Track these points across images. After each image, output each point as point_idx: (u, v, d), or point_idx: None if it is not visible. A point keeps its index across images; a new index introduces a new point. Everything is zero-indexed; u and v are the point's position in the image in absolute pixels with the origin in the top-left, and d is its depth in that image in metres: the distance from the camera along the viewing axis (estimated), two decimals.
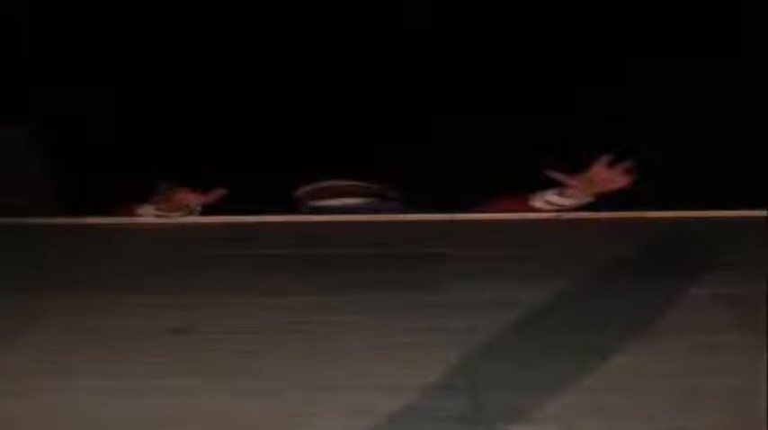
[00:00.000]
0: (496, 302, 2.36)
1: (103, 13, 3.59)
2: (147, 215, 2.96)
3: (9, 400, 1.97)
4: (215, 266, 2.58)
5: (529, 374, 2.05)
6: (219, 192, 2.97)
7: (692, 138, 3.56)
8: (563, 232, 2.84)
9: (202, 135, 3.61)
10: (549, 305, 2.36)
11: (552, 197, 3.06)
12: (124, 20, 3.61)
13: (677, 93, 3.62)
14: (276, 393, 1.99)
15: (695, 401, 1.97)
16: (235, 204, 2.92)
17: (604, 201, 3.03)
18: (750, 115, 3.59)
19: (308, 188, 3.20)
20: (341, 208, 3.12)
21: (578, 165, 3.08)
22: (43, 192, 3.23)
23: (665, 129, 3.60)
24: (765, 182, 3.14)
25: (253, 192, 3.08)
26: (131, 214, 2.98)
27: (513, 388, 2.00)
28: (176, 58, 3.64)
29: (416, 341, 2.18)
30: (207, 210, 2.99)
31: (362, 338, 2.21)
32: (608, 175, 3.03)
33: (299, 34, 3.67)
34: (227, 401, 1.97)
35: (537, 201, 3.07)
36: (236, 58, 3.66)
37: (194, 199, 2.97)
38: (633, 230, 2.80)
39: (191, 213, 2.97)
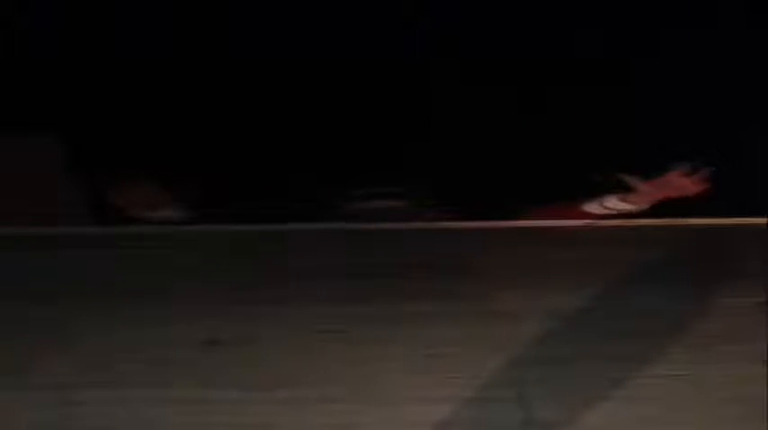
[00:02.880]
0: (535, 311, 2.37)
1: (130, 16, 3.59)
2: None
3: (50, 412, 1.98)
4: (249, 275, 2.57)
5: (574, 384, 2.06)
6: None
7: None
8: (599, 239, 2.84)
9: (234, 145, 3.61)
10: (587, 313, 2.37)
11: (612, 202, 3.08)
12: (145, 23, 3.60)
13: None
14: (322, 404, 2.00)
15: (741, 409, 1.98)
16: (269, 211, 2.91)
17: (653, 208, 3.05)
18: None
19: (347, 193, 3.20)
20: (376, 214, 3.12)
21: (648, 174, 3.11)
22: (72, 200, 3.23)
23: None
24: None
25: (289, 198, 3.09)
26: None
27: (560, 398, 2.01)
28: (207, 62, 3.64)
29: (459, 351, 2.20)
30: (237, 217, 2.97)
31: (404, 348, 2.21)
32: (682, 183, 3.05)
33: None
34: (272, 412, 1.98)
35: (593, 207, 3.08)
36: (266, 63, 3.65)
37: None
38: (669, 237, 2.79)
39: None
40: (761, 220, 2.81)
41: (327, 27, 3.58)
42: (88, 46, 3.50)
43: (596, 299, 2.43)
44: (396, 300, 2.43)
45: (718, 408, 1.98)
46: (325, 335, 2.27)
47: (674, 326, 2.29)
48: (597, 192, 3.08)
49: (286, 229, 2.82)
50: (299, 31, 3.62)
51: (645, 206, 3.06)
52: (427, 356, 2.17)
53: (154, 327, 2.30)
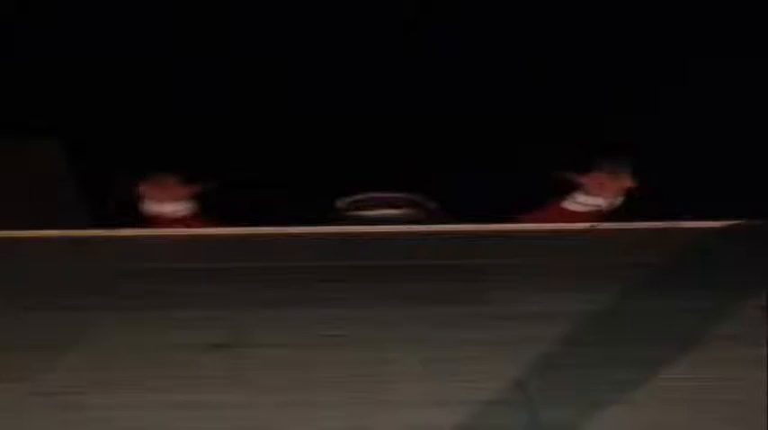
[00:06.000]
0: (538, 315, 2.37)
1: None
2: None
3: (53, 416, 1.98)
4: (255, 279, 2.58)
5: (582, 388, 2.06)
6: None
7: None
8: (599, 242, 2.84)
9: (245, 145, 3.62)
10: (592, 316, 2.37)
11: (582, 198, 3.09)
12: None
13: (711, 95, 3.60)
14: (331, 408, 2.00)
15: (741, 413, 1.97)
16: (274, 214, 2.92)
17: (641, 208, 3.05)
18: None
19: (348, 199, 3.21)
20: (381, 219, 3.13)
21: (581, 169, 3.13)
22: (76, 205, 3.23)
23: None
24: None
25: (292, 202, 3.09)
26: None
27: (568, 402, 2.01)
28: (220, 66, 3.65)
29: (464, 355, 2.19)
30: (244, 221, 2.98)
31: (409, 352, 2.21)
32: (610, 178, 3.08)
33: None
34: (278, 415, 1.98)
35: (571, 205, 3.09)
36: (281, 69, 3.67)
37: None
38: (668, 240, 2.80)
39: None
40: (761, 221, 2.82)
41: (329, 27, 3.59)
42: (88, 46, 3.51)
43: (597, 302, 2.43)
44: (396, 304, 2.43)
45: (718, 412, 1.98)
46: (326, 338, 2.26)
47: (673, 330, 2.28)
48: (562, 191, 3.10)
49: (286, 232, 2.82)
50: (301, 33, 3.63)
51: (616, 200, 3.08)
52: (428, 359, 2.17)
53: (155, 331, 2.30)
